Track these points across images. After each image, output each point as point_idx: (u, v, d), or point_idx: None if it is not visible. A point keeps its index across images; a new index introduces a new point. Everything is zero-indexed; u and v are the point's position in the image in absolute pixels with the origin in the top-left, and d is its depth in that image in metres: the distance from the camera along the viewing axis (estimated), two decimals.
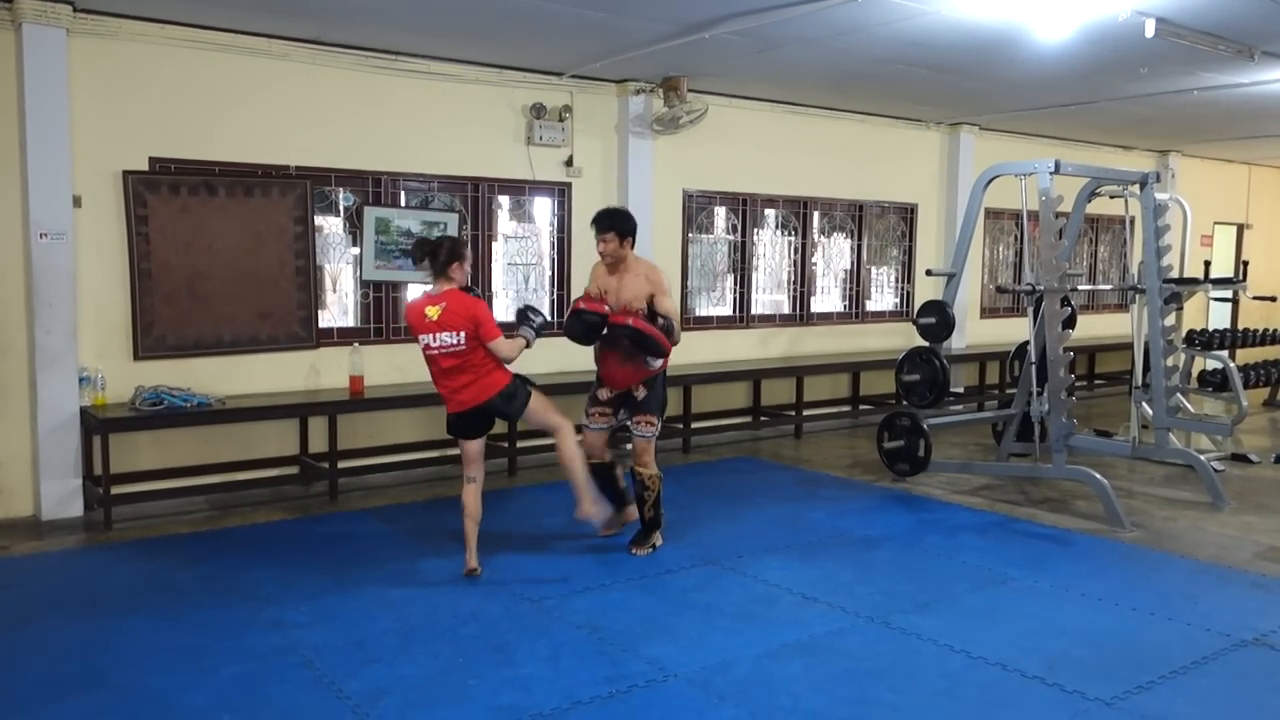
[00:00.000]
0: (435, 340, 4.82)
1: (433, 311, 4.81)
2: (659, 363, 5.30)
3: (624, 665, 3.99)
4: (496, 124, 7.66)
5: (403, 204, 7.34)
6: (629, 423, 5.44)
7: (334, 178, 7.03)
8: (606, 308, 5.19)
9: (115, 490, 6.03)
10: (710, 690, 3.77)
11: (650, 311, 5.20)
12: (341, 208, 7.17)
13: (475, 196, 7.65)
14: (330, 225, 7.19)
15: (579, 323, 5.21)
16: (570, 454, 5.09)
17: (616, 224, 5.31)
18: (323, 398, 6.78)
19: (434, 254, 4.84)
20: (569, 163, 7.98)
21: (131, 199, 6.20)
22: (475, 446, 5.11)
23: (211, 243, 6.49)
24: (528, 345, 4.99)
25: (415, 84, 7.24)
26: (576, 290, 8.15)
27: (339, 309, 7.30)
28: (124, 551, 5.51)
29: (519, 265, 8.05)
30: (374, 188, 7.18)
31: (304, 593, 4.79)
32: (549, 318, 4.99)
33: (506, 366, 4.97)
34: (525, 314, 5.16)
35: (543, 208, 8.11)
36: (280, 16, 6.18)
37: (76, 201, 6.02)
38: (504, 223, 7.98)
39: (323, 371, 7.00)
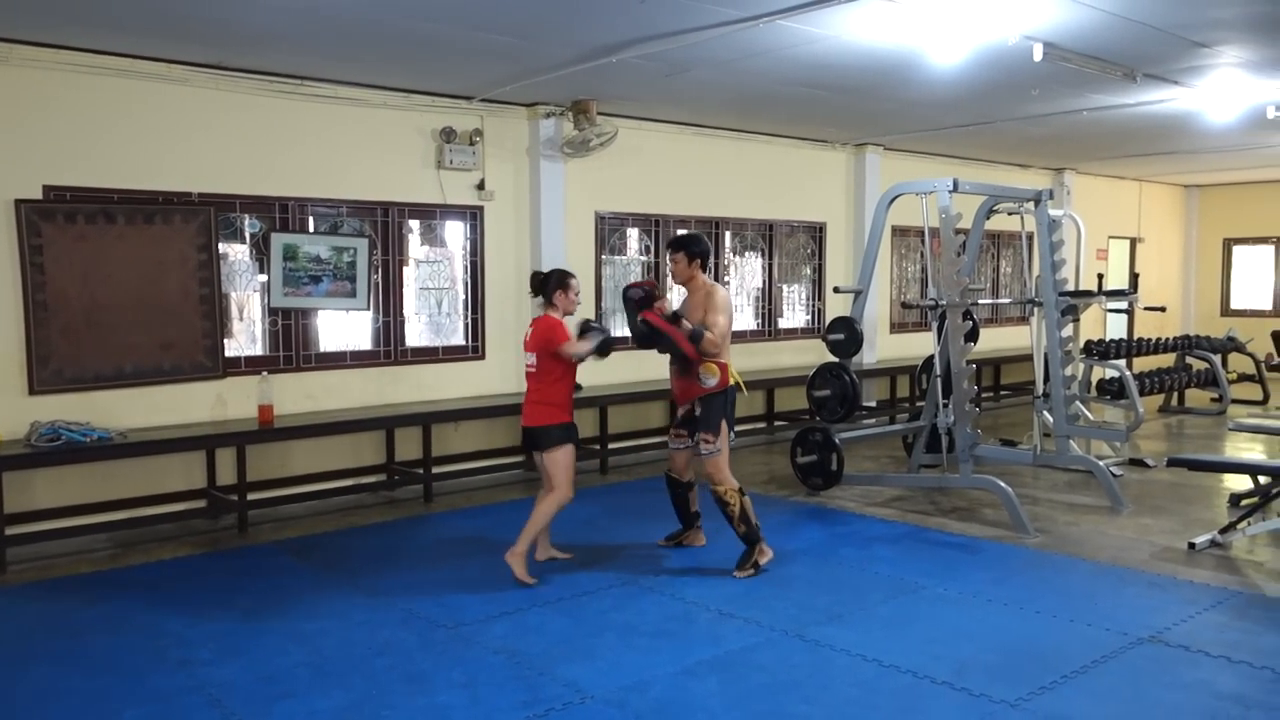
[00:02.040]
0: (527, 358, 5.47)
1: (528, 332, 5.50)
2: (712, 381, 5.43)
3: (541, 689, 3.98)
4: (406, 148, 7.61)
5: (311, 229, 7.25)
6: (698, 442, 5.56)
7: (239, 204, 6.90)
8: (645, 290, 5.54)
9: (10, 531, 5.80)
10: (626, 710, 3.78)
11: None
12: (247, 234, 7.04)
13: (385, 221, 7.59)
14: (236, 252, 7.05)
15: (627, 302, 5.54)
16: (542, 512, 5.42)
17: (685, 245, 5.57)
18: (230, 428, 6.62)
19: (544, 284, 5.48)
20: (480, 186, 7.97)
21: (25, 229, 6.00)
22: (539, 460, 5.52)
23: (111, 272, 6.32)
24: (593, 348, 5.40)
25: (322, 108, 7.17)
26: (491, 314, 8.14)
27: (247, 337, 7.16)
28: (20, 594, 5.30)
29: (432, 290, 8.00)
30: (281, 214, 7.08)
31: (211, 629, 4.67)
32: (609, 333, 5.61)
33: (563, 412, 5.40)
34: (587, 327, 5.56)
35: (455, 231, 8.08)
36: (180, 41, 6.07)
37: None
38: (415, 247, 7.93)
39: (230, 401, 6.84)
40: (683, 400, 5.66)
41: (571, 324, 5.57)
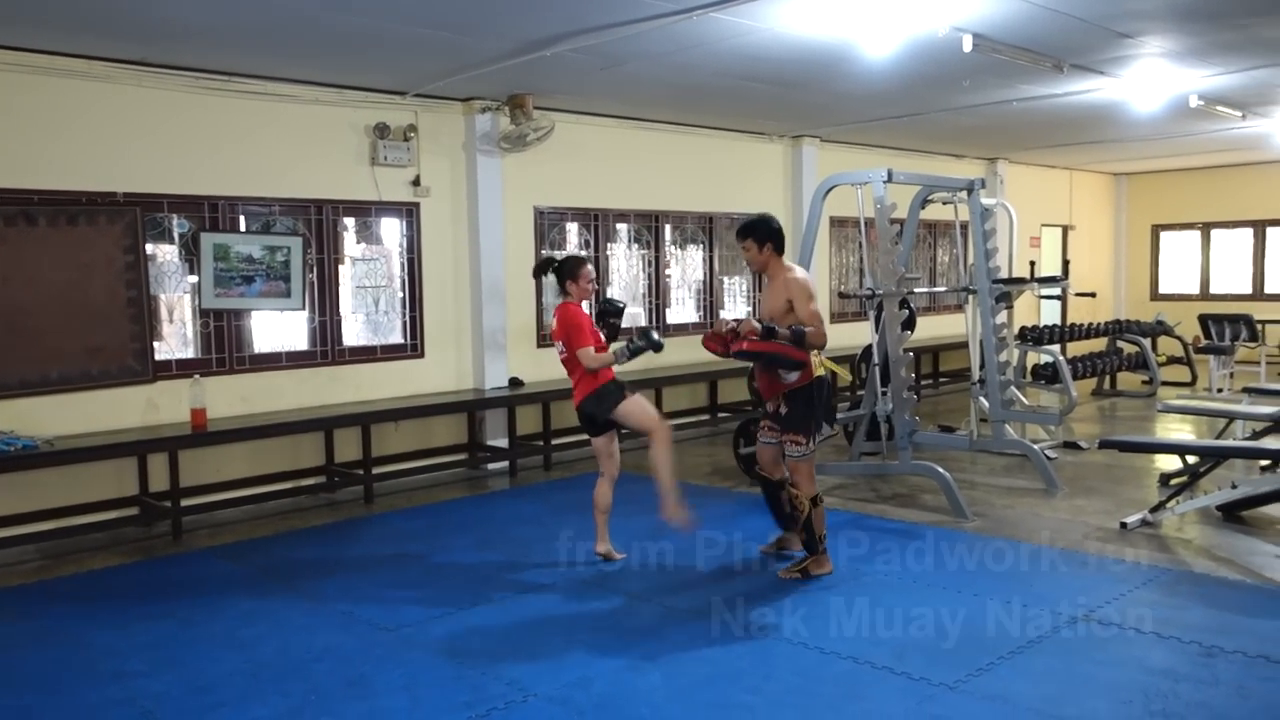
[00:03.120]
0: (557, 346, 5.46)
1: (553, 321, 5.50)
2: (794, 376, 5.11)
3: (483, 688, 3.94)
4: (339, 145, 7.49)
5: (242, 229, 7.10)
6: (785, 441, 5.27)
7: (166, 204, 6.74)
8: (725, 344, 5.13)
9: None
10: (570, 706, 3.77)
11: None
12: (176, 234, 6.88)
13: (319, 219, 7.46)
14: (164, 253, 6.89)
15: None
16: (659, 460, 5.36)
17: (753, 231, 5.20)
18: (162, 433, 6.47)
19: (557, 275, 5.53)
20: (416, 182, 7.88)
21: None
22: (597, 443, 5.50)
23: (33, 276, 6.14)
24: (616, 361, 5.39)
25: (251, 105, 7.03)
26: (429, 311, 8.06)
27: (178, 340, 7.00)
28: None
29: (368, 288, 7.89)
30: (211, 213, 6.92)
31: (144, 640, 4.56)
32: (653, 340, 5.51)
33: (609, 370, 5.38)
34: (633, 335, 5.58)
35: (391, 228, 7.97)
36: (101, 38, 5.90)
37: None
38: (351, 245, 7.81)
39: (161, 406, 6.69)
40: (769, 396, 5.29)
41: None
